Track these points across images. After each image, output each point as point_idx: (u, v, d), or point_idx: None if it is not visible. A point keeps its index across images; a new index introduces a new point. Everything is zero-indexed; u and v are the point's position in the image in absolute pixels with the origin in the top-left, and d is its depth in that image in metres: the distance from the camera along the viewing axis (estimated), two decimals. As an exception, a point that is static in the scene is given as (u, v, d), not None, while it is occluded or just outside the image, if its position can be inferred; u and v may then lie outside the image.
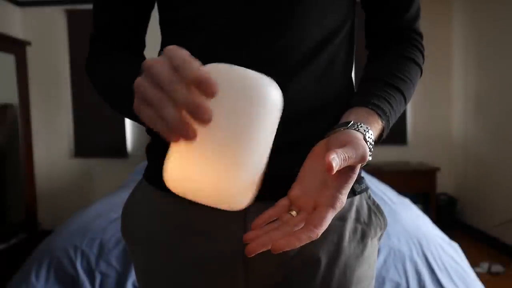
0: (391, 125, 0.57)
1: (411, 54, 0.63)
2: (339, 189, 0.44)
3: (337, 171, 0.42)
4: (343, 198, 0.44)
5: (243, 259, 0.57)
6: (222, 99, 0.37)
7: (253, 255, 0.42)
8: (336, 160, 0.41)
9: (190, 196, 0.43)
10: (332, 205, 0.43)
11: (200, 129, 0.37)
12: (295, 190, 0.47)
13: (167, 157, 0.42)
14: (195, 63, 0.36)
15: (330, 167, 0.40)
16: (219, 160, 0.39)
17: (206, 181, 0.40)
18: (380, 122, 0.53)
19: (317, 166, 0.47)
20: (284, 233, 0.43)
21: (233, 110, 0.38)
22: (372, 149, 0.49)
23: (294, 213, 0.46)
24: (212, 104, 0.36)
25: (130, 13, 0.64)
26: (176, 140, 0.37)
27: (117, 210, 1.87)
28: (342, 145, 0.45)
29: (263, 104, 0.39)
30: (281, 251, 0.41)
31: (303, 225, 0.43)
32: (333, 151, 0.42)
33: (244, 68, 0.40)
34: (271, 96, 0.40)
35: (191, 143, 0.37)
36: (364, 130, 0.49)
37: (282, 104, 0.43)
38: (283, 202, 0.47)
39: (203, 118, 0.35)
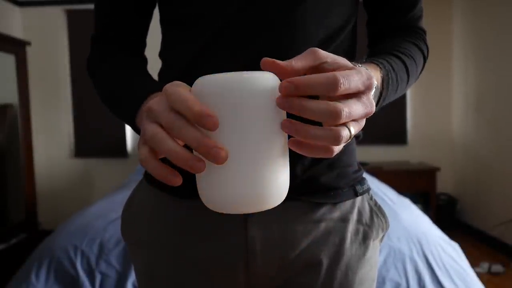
0: (391, 86, 0.53)
1: (415, 40, 0.63)
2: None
3: None
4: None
5: (244, 261, 0.57)
6: (225, 111, 0.37)
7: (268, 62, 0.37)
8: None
9: (230, 211, 0.42)
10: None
11: None
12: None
13: (197, 179, 0.41)
14: (192, 100, 0.36)
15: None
16: (249, 171, 0.38)
17: (242, 195, 0.39)
18: (378, 73, 0.50)
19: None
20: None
21: (239, 117, 0.37)
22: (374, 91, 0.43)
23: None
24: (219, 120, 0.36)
25: (132, 13, 0.64)
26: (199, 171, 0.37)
27: (117, 210, 1.87)
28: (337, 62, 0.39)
29: (265, 93, 0.38)
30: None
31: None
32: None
33: (236, 73, 0.39)
34: (269, 83, 0.38)
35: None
36: (360, 66, 0.42)
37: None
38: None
39: (220, 158, 0.35)
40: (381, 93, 0.52)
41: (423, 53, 0.64)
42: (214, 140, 0.36)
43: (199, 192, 0.41)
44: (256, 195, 0.39)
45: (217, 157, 0.35)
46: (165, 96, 0.38)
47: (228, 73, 0.38)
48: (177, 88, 0.37)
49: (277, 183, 0.40)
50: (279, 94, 0.37)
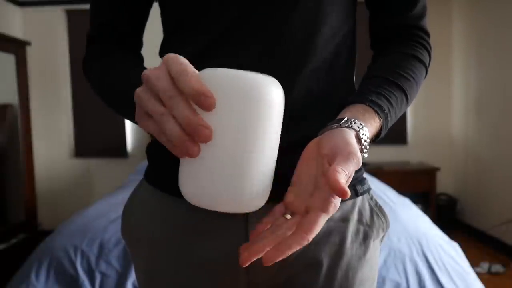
0: (390, 123, 0.55)
1: (416, 52, 0.62)
2: (332, 193, 0.41)
3: (327, 176, 0.41)
4: (336, 202, 0.41)
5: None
6: (222, 106, 0.37)
7: (246, 265, 0.41)
8: (344, 181, 0.40)
9: (206, 206, 0.42)
10: (324, 209, 0.41)
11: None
12: (290, 195, 0.46)
13: (180, 168, 0.42)
14: (193, 74, 0.36)
15: (344, 193, 0.38)
16: (229, 168, 0.39)
17: (219, 190, 0.40)
18: (377, 120, 0.52)
19: (309, 168, 0.45)
20: (276, 239, 0.41)
21: (234, 115, 0.38)
22: (367, 147, 0.48)
23: (288, 216, 0.45)
24: (213, 112, 0.36)
25: (128, 12, 0.64)
26: (181, 156, 0.38)
27: (117, 210, 1.87)
28: (333, 151, 0.43)
29: (264, 104, 0.39)
30: (272, 263, 0.39)
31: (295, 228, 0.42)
32: (337, 173, 0.40)
33: (242, 71, 0.39)
34: (271, 95, 0.39)
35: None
36: (358, 127, 0.47)
37: (283, 101, 0.42)
38: (278, 208, 0.46)
39: (203, 137, 0.36)
40: (378, 135, 0.53)
41: (425, 65, 0.63)
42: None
43: (180, 181, 0.42)
44: (230, 194, 0.40)
45: (201, 135, 0.36)
46: (164, 65, 0.38)
47: (244, 71, 0.39)
48: (180, 59, 0.37)
49: (255, 190, 0.41)
50: (280, 104, 0.40)
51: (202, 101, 0.35)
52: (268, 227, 0.45)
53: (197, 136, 0.36)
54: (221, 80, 0.38)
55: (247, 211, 0.43)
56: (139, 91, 0.39)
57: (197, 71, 0.38)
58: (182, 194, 0.43)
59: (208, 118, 0.37)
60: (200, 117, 0.36)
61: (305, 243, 0.40)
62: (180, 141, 0.37)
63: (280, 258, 0.40)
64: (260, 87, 0.38)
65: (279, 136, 0.43)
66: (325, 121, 0.52)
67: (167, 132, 0.37)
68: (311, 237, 0.40)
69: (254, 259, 0.41)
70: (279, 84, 0.42)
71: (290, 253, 0.40)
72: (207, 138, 0.36)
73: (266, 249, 0.40)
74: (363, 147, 0.47)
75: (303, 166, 0.46)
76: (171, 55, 0.38)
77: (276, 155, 0.43)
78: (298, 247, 0.40)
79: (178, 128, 0.37)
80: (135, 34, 0.67)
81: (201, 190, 0.41)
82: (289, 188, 0.46)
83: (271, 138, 0.41)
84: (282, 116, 0.42)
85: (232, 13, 0.55)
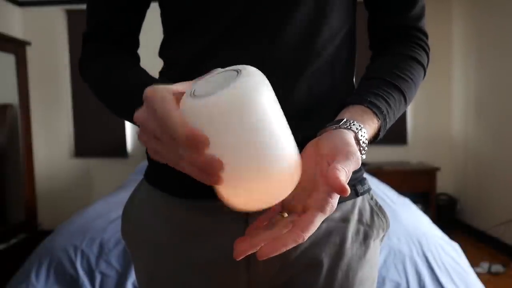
0: (389, 124, 0.56)
1: (414, 53, 0.62)
2: (329, 193, 0.42)
3: (326, 175, 0.41)
4: (333, 202, 0.42)
5: (246, 260, 0.57)
6: (219, 131, 0.37)
7: (240, 258, 0.42)
8: (344, 179, 0.40)
9: (255, 208, 0.43)
10: (321, 209, 0.41)
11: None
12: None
13: (216, 190, 0.43)
14: (176, 118, 0.37)
15: (344, 190, 0.39)
16: (255, 171, 0.39)
17: (253, 192, 0.41)
18: (375, 121, 0.52)
19: (308, 168, 0.46)
20: (271, 235, 0.42)
21: (234, 131, 0.38)
22: (365, 148, 0.48)
23: (285, 214, 0.45)
24: (212, 140, 0.37)
25: (125, 12, 0.64)
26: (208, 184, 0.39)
27: (117, 210, 1.87)
28: (333, 151, 0.44)
29: (253, 106, 0.38)
30: (267, 257, 0.40)
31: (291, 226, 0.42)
32: (337, 171, 0.40)
33: (217, 87, 0.39)
34: (254, 94, 0.38)
35: None
36: (357, 128, 0.48)
37: (269, 85, 0.41)
38: (276, 206, 0.46)
39: (218, 171, 0.37)
40: (377, 136, 0.54)
41: (423, 67, 0.63)
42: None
43: (223, 199, 0.43)
44: (270, 192, 0.41)
45: (213, 174, 0.37)
46: (148, 107, 0.39)
47: (210, 87, 0.39)
48: (159, 99, 0.38)
49: (285, 176, 0.42)
50: (278, 108, 0.40)
51: (196, 145, 0.36)
52: (265, 224, 0.45)
53: (212, 175, 0.37)
54: (204, 111, 0.37)
55: (287, 195, 0.43)
56: (140, 134, 0.41)
57: (178, 111, 0.38)
58: (232, 207, 0.43)
59: (213, 142, 0.37)
60: (205, 157, 0.37)
61: (301, 241, 0.40)
62: (201, 179, 0.38)
63: (274, 254, 0.40)
64: (240, 96, 0.38)
65: (282, 116, 0.42)
66: (326, 121, 0.52)
67: (184, 170, 0.39)
68: (307, 235, 0.41)
69: (249, 253, 0.42)
70: (256, 71, 0.41)
71: (284, 250, 0.40)
72: (219, 179, 0.38)
73: (261, 244, 0.41)
74: (361, 148, 0.47)
75: (302, 166, 0.47)
76: (149, 95, 0.39)
77: (290, 133, 0.43)
78: (293, 245, 0.40)
79: (193, 168, 0.38)
80: (131, 34, 0.66)
81: (247, 199, 0.42)
82: None
83: (278, 124, 0.40)
84: (277, 100, 0.42)
85: (232, 13, 0.55)
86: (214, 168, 0.37)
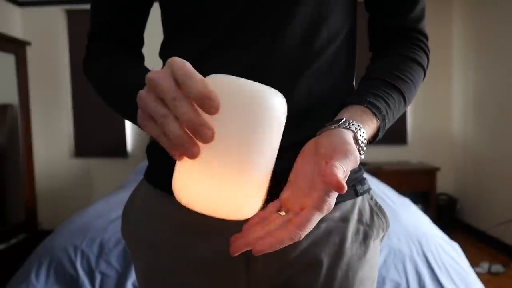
0: (388, 125, 0.56)
1: (414, 54, 0.62)
2: (327, 192, 0.42)
3: (323, 173, 0.41)
4: (331, 201, 0.42)
5: (245, 260, 0.57)
6: (225, 112, 0.37)
7: (236, 254, 0.42)
8: (341, 176, 0.41)
9: (197, 208, 0.42)
10: (318, 207, 0.41)
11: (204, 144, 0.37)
12: (286, 193, 0.46)
13: (175, 168, 0.42)
14: (198, 78, 0.36)
15: (341, 187, 0.39)
16: (225, 174, 0.39)
17: (213, 195, 0.40)
18: (375, 121, 0.52)
19: (306, 167, 0.46)
20: (267, 232, 0.42)
21: (236, 123, 0.38)
22: (364, 148, 0.48)
23: (282, 213, 0.45)
24: (215, 117, 0.36)
25: (128, 11, 0.64)
26: (180, 158, 0.38)
27: (117, 210, 1.87)
28: (331, 150, 0.44)
29: (267, 115, 0.39)
30: (262, 253, 0.40)
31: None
32: (334, 168, 0.41)
33: (246, 80, 0.39)
34: (274, 107, 0.39)
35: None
36: (356, 128, 0.48)
37: (285, 113, 0.42)
38: (274, 204, 0.47)
39: (205, 138, 0.36)
40: (376, 137, 0.54)
41: (423, 68, 0.63)
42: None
43: (174, 185, 0.42)
44: (225, 199, 0.40)
45: (203, 134, 0.35)
46: (169, 68, 0.38)
47: (248, 81, 0.39)
48: (185, 63, 0.37)
49: (250, 198, 0.41)
50: (282, 117, 0.41)
51: (207, 104, 0.35)
52: (262, 222, 0.45)
53: (199, 136, 0.36)
54: (227, 86, 0.38)
55: (240, 218, 0.43)
56: (142, 92, 0.39)
57: (202, 77, 0.38)
58: (176, 197, 0.43)
59: (210, 122, 0.37)
60: (203, 117, 0.36)
61: (297, 238, 0.41)
62: (180, 141, 0.36)
63: (270, 251, 0.40)
64: (265, 98, 0.39)
65: (278, 146, 0.43)
66: (326, 121, 0.52)
67: (168, 133, 0.37)
68: (303, 233, 0.41)
69: (244, 250, 0.42)
70: (283, 97, 0.42)
71: (280, 247, 0.40)
72: (209, 139, 0.36)
73: (257, 241, 0.41)
74: (360, 148, 0.48)
75: (300, 165, 0.47)
76: (177, 59, 0.38)
77: (273, 164, 0.43)
78: (289, 242, 0.41)
79: (180, 128, 0.36)
80: (135, 33, 0.67)
81: (197, 194, 0.41)
82: (286, 186, 0.47)
83: (270, 148, 0.41)
84: (283, 127, 0.43)
85: (232, 14, 0.55)
86: (203, 131, 0.35)
